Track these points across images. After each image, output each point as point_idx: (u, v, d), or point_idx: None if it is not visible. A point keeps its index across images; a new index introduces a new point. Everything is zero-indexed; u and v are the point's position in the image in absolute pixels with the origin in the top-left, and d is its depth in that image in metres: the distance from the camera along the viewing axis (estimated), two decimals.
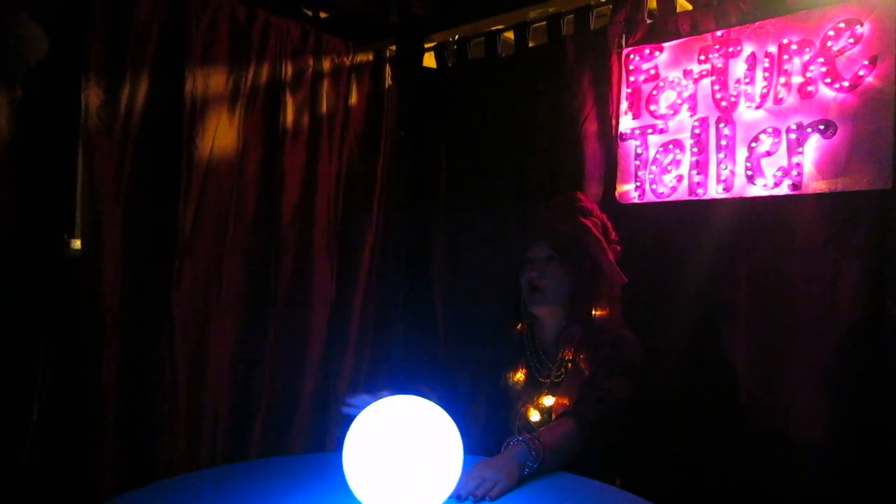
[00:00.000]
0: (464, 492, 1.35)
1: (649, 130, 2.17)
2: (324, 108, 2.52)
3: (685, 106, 2.10)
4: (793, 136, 1.88)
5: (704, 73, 2.07)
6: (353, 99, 2.64)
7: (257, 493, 1.35)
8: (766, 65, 1.95)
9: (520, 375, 1.90)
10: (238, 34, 2.27)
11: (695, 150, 2.07)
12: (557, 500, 1.42)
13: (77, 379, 1.97)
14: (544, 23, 2.51)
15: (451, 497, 1.28)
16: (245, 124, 2.30)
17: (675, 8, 2.20)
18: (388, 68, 2.75)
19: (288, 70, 2.41)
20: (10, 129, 1.84)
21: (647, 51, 2.18)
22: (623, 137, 2.22)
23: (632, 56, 2.22)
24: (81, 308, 1.97)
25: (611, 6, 2.31)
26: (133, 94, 2.04)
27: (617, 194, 2.22)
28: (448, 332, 2.68)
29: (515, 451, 1.51)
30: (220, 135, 2.22)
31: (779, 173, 1.91)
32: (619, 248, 1.92)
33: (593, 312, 1.84)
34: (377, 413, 1.16)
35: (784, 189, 1.90)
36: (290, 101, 2.41)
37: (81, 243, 2.00)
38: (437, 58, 2.86)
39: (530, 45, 2.57)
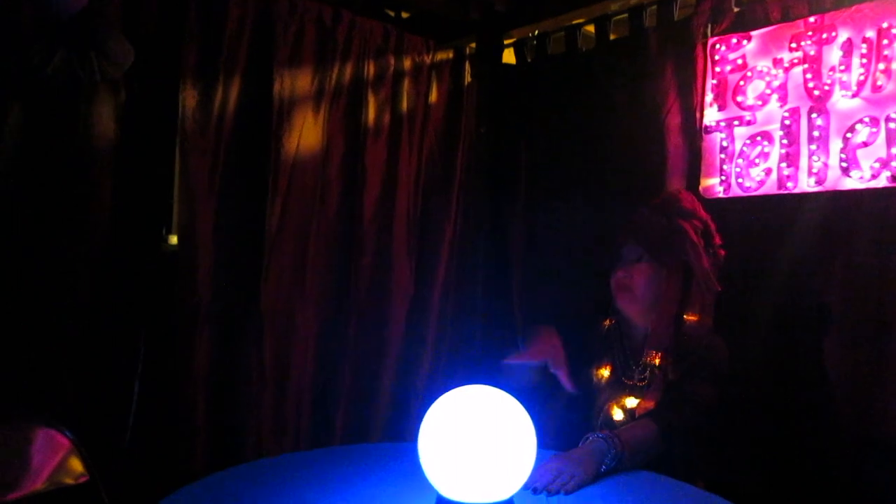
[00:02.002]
0: (539, 484, 1.35)
1: (736, 122, 2.09)
2: (404, 106, 2.57)
3: (775, 96, 2.02)
4: (893, 125, 1.77)
5: (796, 61, 1.97)
6: (434, 96, 2.68)
7: (339, 478, 1.40)
8: (864, 51, 1.84)
9: (604, 372, 1.88)
10: (324, 35, 2.35)
11: (784, 141, 1.98)
12: (634, 498, 1.40)
13: (172, 366, 2.09)
14: (626, 15, 2.46)
15: (525, 488, 1.29)
16: (329, 123, 2.38)
17: None
18: (467, 65, 2.77)
19: (370, 69, 2.47)
20: (115, 132, 1.97)
21: (735, 40, 2.10)
22: (708, 130, 2.16)
23: (718, 46, 2.14)
24: (177, 300, 2.09)
25: None
26: (225, 97, 2.15)
27: (701, 189, 2.15)
28: (527, 327, 2.67)
29: (594, 446, 1.51)
30: (306, 133, 2.30)
31: (877, 165, 1.80)
32: (722, 252, 1.85)
33: (684, 317, 1.79)
34: (452, 402, 1.18)
35: (882, 181, 1.79)
36: (372, 99, 2.48)
37: (178, 239, 2.12)
38: (516, 54, 2.86)
39: (611, 38, 2.53)
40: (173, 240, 2.20)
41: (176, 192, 2.17)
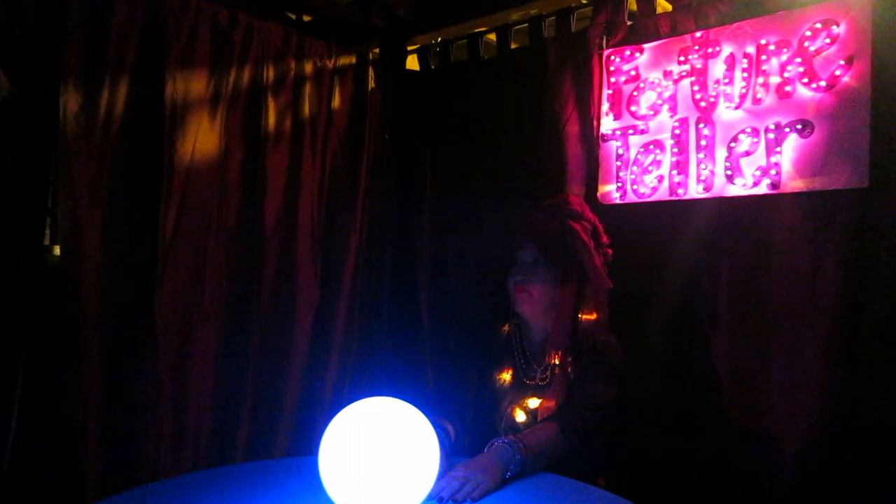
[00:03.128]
0: (445, 493, 1.35)
1: (630, 131, 2.17)
2: (306, 111, 2.51)
3: (665, 106, 2.11)
4: (771, 135, 1.89)
5: (684, 73, 2.08)
6: (337, 102, 2.64)
7: (237, 497, 1.35)
8: (745, 65, 1.96)
9: (506, 376, 1.91)
10: (219, 38, 2.26)
11: (675, 150, 2.08)
12: (538, 502, 1.42)
13: (57, 386, 1.95)
14: (526, 25, 2.52)
15: (430, 498, 1.28)
16: (227, 128, 2.29)
17: (655, 9, 2.22)
18: (371, 71, 2.75)
19: (270, 73, 2.40)
20: None
21: (628, 52, 2.19)
22: (604, 138, 2.23)
23: (612, 57, 2.23)
24: (62, 314, 1.95)
25: (591, 8, 2.32)
26: (112, 99, 2.02)
27: (598, 195, 2.23)
28: (433, 333, 2.68)
29: (499, 452, 1.52)
30: (202, 138, 2.21)
31: (758, 173, 1.92)
32: (610, 251, 1.92)
33: (580, 317, 1.84)
34: (352, 414, 1.16)
35: (763, 188, 1.91)
36: (272, 104, 2.41)
37: (60, 249, 1.98)
38: (419, 60, 2.87)
39: (512, 46, 2.58)
40: (57, 251, 2.05)
41: (58, 200, 2.02)
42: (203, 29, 2.22)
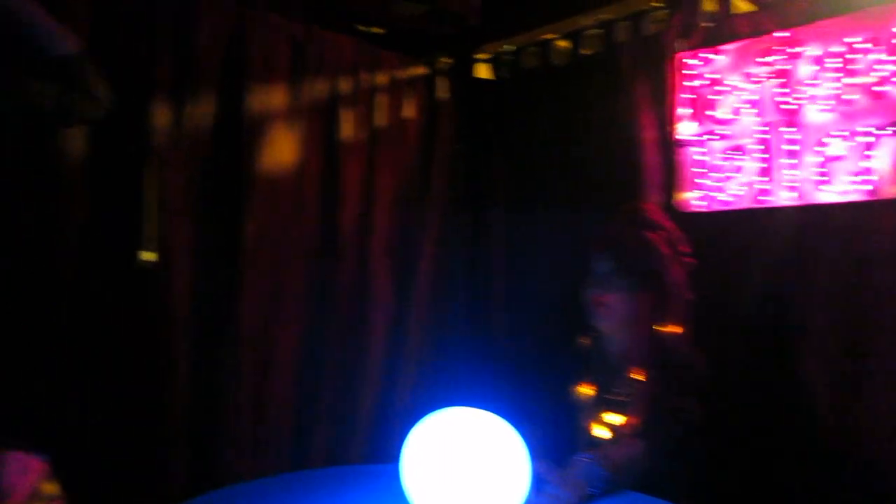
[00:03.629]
0: None
1: (710, 136, 2.11)
2: (380, 121, 2.55)
3: (748, 110, 2.05)
4: (865, 138, 1.81)
5: (767, 75, 2.01)
6: (409, 112, 2.67)
7: (318, 502, 1.36)
8: (832, 65, 1.88)
9: (586, 390, 1.86)
10: (296, 52, 2.33)
11: (760, 155, 2.01)
12: None
13: (149, 387, 2.03)
14: (599, 30, 2.49)
15: None
16: (304, 138, 2.35)
17: (733, 10, 2.15)
18: (442, 80, 2.76)
19: (344, 85, 2.45)
20: (87, 150, 1.92)
21: (706, 55, 2.14)
22: (683, 144, 2.18)
23: (689, 61, 2.17)
24: (153, 318, 2.03)
25: (666, 11, 2.27)
26: (198, 113, 2.10)
27: (677, 202, 2.17)
28: (508, 344, 2.66)
29: (582, 468, 1.49)
30: (280, 150, 2.27)
31: (852, 178, 1.83)
32: (689, 260, 1.86)
33: (660, 329, 1.79)
34: (439, 423, 1.15)
35: (858, 194, 1.82)
36: (346, 115, 2.45)
37: (153, 256, 2.06)
38: (491, 69, 2.87)
39: (584, 52, 2.55)
40: (146, 256, 2.13)
41: (147, 209, 2.11)
42: (281, 44, 2.29)
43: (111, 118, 1.84)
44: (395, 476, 1.22)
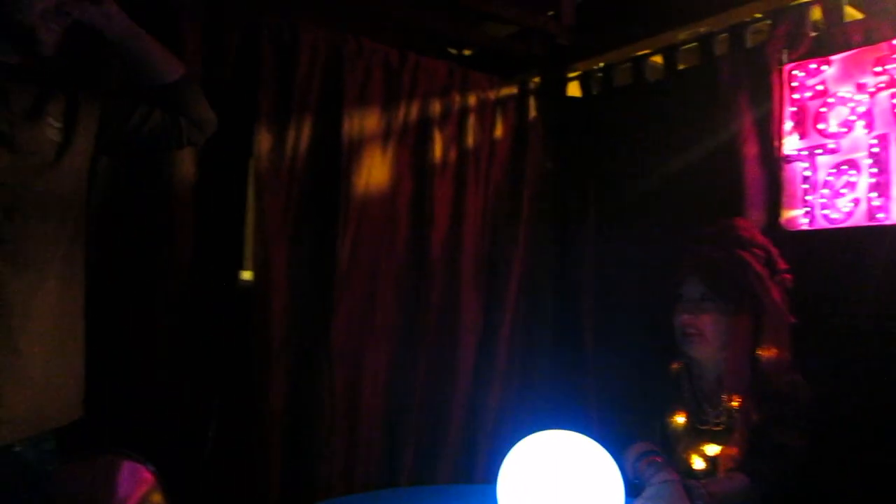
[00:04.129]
0: None
1: (818, 151, 2.01)
2: (470, 142, 2.57)
3: (860, 122, 1.93)
4: None
5: (882, 85, 1.89)
6: (499, 132, 2.68)
7: None
8: None
9: (679, 419, 1.78)
10: (390, 76, 2.39)
11: (873, 170, 1.88)
12: None
13: (247, 403, 2.11)
14: (695, 44, 2.42)
15: None
16: (397, 161, 2.40)
17: (843, 18, 2.04)
18: (532, 100, 2.76)
19: (436, 108, 2.49)
20: (195, 174, 2.04)
21: (813, 65, 2.04)
22: (789, 159, 2.08)
23: (796, 72, 2.07)
24: (252, 337, 2.12)
25: (768, 22, 2.18)
26: (297, 138, 2.20)
27: (783, 221, 2.07)
28: (598, 366, 2.60)
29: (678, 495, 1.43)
30: (374, 172, 2.33)
31: None
32: (788, 278, 1.76)
33: (758, 354, 1.69)
34: (537, 446, 1.14)
35: None
36: (438, 136, 2.49)
37: (253, 276, 2.16)
38: (582, 86, 2.84)
39: (680, 67, 2.49)
40: (245, 275, 2.23)
41: (248, 232, 2.21)
42: (376, 69, 2.35)
43: (217, 144, 1.97)
44: (482, 496, 1.22)
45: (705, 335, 1.70)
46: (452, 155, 2.53)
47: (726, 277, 1.69)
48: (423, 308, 2.43)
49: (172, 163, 1.99)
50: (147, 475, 1.59)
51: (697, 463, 1.70)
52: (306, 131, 2.21)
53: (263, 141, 2.13)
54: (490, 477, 1.16)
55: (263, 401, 2.11)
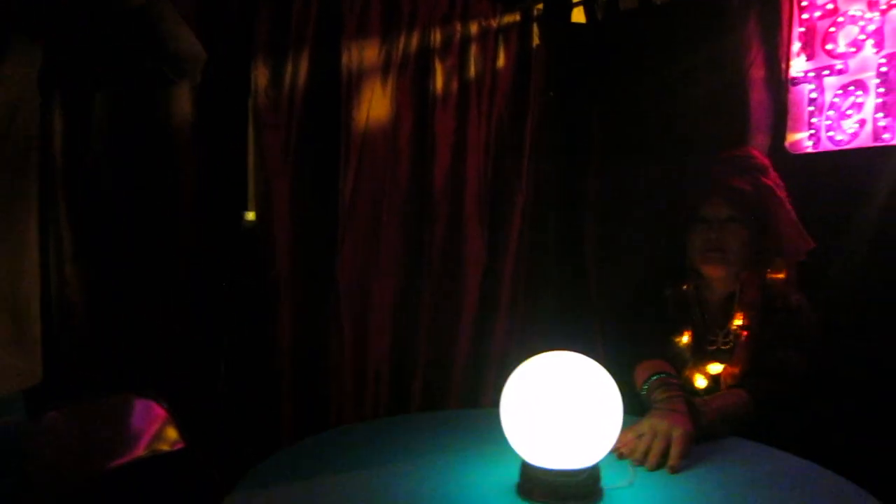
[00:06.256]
0: (634, 456, 1.31)
1: (826, 72, 1.97)
2: (472, 72, 2.52)
3: (870, 42, 1.89)
4: None
5: (891, 3, 1.84)
6: (501, 61, 2.62)
7: (423, 444, 1.42)
8: None
9: (684, 339, 1.83)
10: (389, 6, 2.33)
11: (881, 90, 1.85)
12: (730, 464, 1.35)
13: (255, 339, 2.16)
14: None
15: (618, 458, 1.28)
16: (397, 93, 2.36)
17: None
18: (535, 28, 2.70)
19: (437, 37, 2.44)
20: (192, 112, 2.02)
21: None
22: (795, 82, 2.04)
23: None
24: (257, 274, 2.15)
25: None
26: (295, 72, 2.16)
27: (787, 144, 2.05)
28: (601, 293, 2.63)
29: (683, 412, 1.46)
30: (375, 105, 2.30)
31: None
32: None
33: (770, 276, 1.74)
34: (535, 367, 1.17)
35: None
36: (439, 67, 2.44)
37: (255, 214, 2.17)
38: (586, 12, 2.76)
39: None
40: (250, 216, 2.25)
41: (250, 169, 2.21)
42: None
43: (214, 80, 1.94)
44: (490, 420, 1.25)
45: (728, 254, 1.75)
46: (454, 86, 2.49)
47: (753, 201, 1.74)
48: (427, 241, 2.45)
49: (168, 100, 1.97)
50: (159, 410, 1.62)
51: (700, 382, 1.75)
52: (304, 65, 2.18)
53: (261, 76, 2.10)
54: (496, 402, 1.19)
55: (271, 336, 2.15)
